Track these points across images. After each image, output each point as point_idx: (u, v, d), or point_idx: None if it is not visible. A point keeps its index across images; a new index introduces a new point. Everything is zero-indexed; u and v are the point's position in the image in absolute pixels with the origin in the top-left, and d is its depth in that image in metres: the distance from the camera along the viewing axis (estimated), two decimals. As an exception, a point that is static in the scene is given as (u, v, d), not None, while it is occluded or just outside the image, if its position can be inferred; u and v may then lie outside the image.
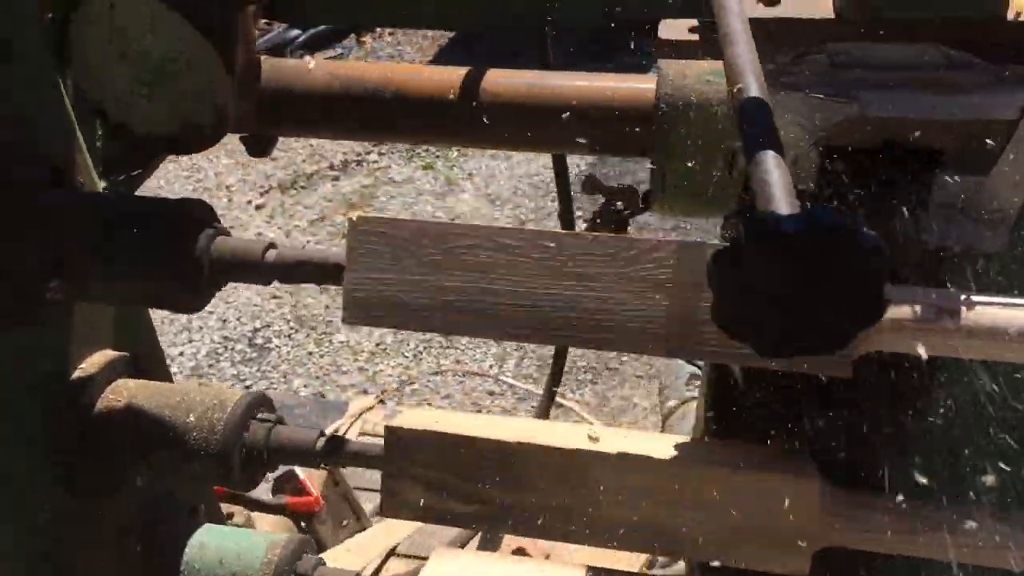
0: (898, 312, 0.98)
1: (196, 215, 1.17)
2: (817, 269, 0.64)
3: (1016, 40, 0.96)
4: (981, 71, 0.98)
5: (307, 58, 1.54)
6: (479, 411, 4.08)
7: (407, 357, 4.76)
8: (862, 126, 1.01)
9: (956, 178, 1.03)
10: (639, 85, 1.48)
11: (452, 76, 1.52)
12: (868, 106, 1.00)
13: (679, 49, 1.03)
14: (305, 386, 4.77)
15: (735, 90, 0.82)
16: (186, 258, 1.14)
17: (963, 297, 0.99)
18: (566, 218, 1.91)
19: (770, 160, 0.73)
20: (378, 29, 7.02)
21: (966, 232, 1.06)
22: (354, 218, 1.13)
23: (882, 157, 1.03)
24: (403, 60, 6.69)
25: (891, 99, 0.99)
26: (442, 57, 6.61)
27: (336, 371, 4.83)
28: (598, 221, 1.55)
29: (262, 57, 1.53)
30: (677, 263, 1.05)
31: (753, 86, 0.81)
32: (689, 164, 1.39)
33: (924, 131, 1.01)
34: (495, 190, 5.41)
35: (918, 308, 0.98)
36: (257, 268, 1.15)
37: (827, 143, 1.04)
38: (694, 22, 1.04)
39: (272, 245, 1.16)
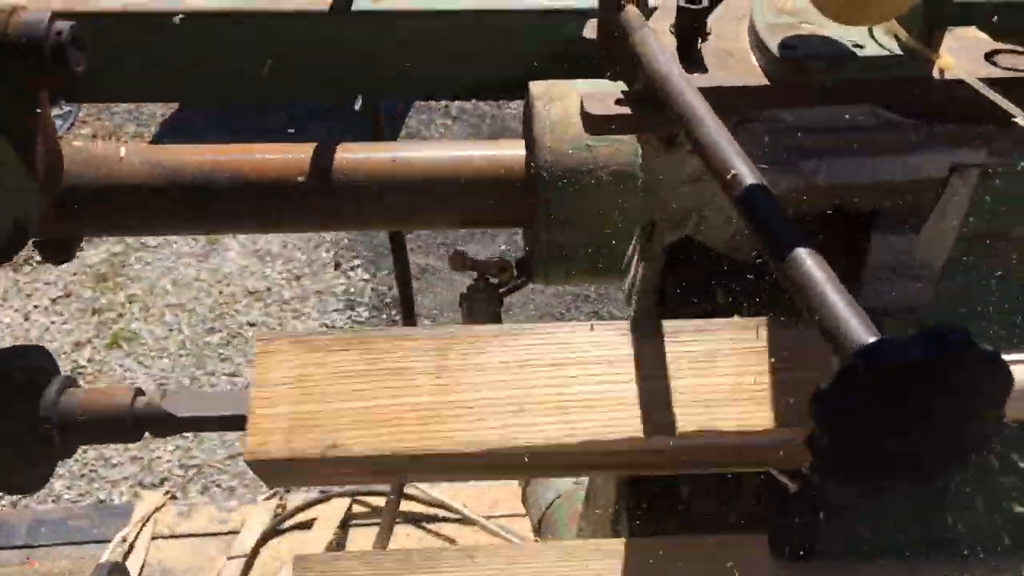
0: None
1: (34, 363, 0.93)
2: (941, 391, 0.56)
3: (942, 98, 0.94)
4: (912, 130, 0.96)
5: (118, 145, 1.30)
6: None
7: (186, 438, 4.35)
8: (807, 194, 0.96)
9: (891, 238, 1.00)
10: (513, 152, 1.38)
11: (296, 155, 1.34)
12: (813, 175, 0.95)
13: (609, 125, 0.94)
14: (69, 488, 4.22)
15: (729, 178, 0.73)
16: (28, 421, 0.89)
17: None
18: (406, 300, 1.75)
19: (818, 275, 0.64)
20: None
21: (900, 289, 1.04)
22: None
23: (820, 223, 0.99)
24: (141, 114, 6.17)
25: (834, 165, 0.95)
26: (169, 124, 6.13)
27: (104, 464, 4.33)
28: (472, 298, 1.43)
29: (62, 140, 1.28)
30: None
31: (746, 172, 0.72)
32: (580, 233, 1.31)
33: (866, 194, 0.98)
34: (263, 245, 5.11)
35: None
36: (124, 423, 0.92)
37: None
38: (618, 92, 0.95)
39: (139, 392, 0.94)
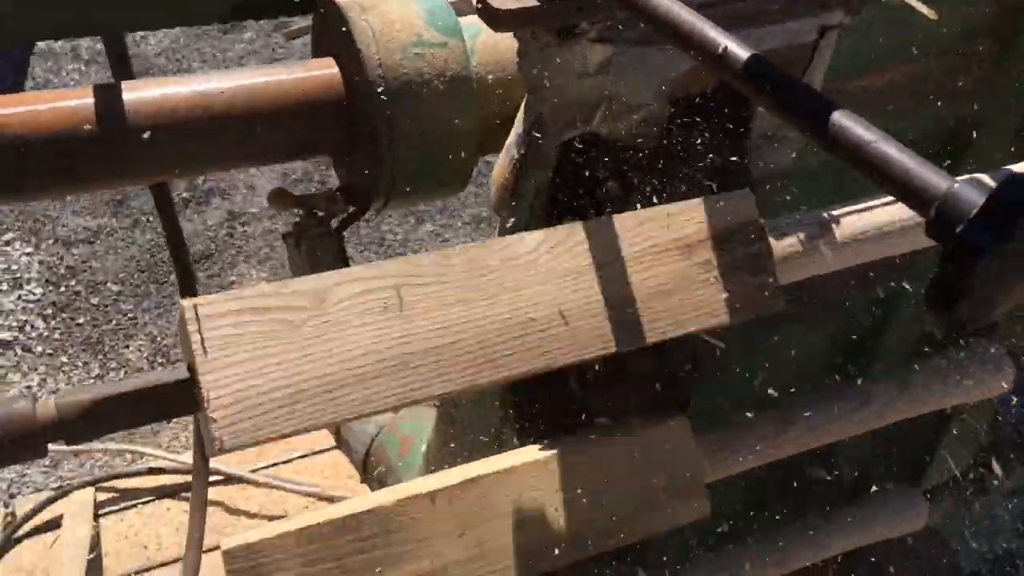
0: (784, 244, 0.98)
1: None
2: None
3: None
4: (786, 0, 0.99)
5: None
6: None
7: None
8: (703, 73, 0.97)
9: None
10: (325, 71, 1.24)
11: (75, 101, 1.11)
12: (715, 51, 0.95)
13: (516, 20, 0.86)
14: None
15: (720, 52, 0.71)
16: None
17: (825, 215, 1.03)
18: (180, 258, 1.54)
19: (869, 135, 0.64)
20: None
21: (776, 155, 1.09)
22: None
23: (711, 100, 1.01)
24: None
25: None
26: None
27: None
28: (300, 238, 1.29)
29: None
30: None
31: (737, 44, 0.71)
32: (420, 151, 1.23)
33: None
34: None
35: (801, 235, 0.99)
36: (35, 437, 0.73)
37: (672, 96, 0.97)
38: None
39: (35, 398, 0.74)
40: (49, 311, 3.98)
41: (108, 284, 4.14)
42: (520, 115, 1.10)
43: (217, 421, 0.74)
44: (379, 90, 1.19)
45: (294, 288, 0.82)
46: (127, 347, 3.93)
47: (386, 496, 0.93)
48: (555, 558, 1.00)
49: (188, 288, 1.56)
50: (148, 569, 2.70)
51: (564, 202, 1.10)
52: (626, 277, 0.93)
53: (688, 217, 0.93)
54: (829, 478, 1.67)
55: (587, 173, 1.08)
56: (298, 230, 1.29)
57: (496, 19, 0.87)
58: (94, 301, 4.07)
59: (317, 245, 1.29)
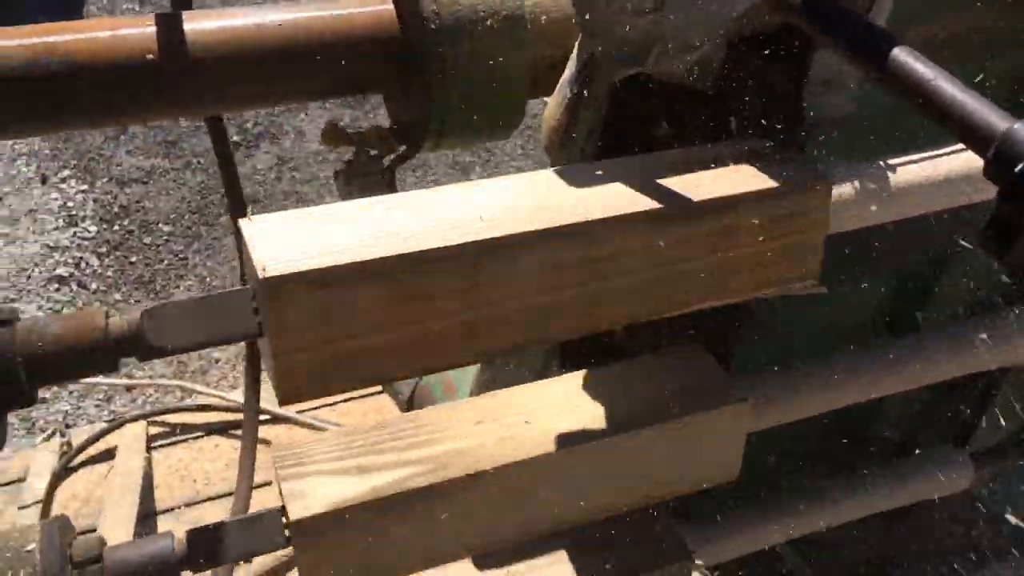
0: (839, 192, 0.97)
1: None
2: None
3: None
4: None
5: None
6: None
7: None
8: (762, 13, 0.95)
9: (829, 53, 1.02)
10: (381, 7, 1.25)
11: (137, 30, 1.13)
12: (774, -9, 0.94)
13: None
14: None
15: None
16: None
17: (882, 164, 1.01)
18: (234, 198, 1.55)
19: (929, 72, 0.64)
20: None
21: (832, 100, 1.07)
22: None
23: (768, 41, 0.99)
24: None
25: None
26: None
27: None
28: (356, 178, 1.30)
29: None
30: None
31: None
32: (475, 91, 1.23)
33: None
34: (-57, 169, 4.41)
35: (856, 184, 0.98)
36: (107, 350, 0.75)
37: (729, 36, 0.96)
38: None
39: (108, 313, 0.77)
40: (103, 249, 4.07)
41: (160, 224, 4.21)
42: (573, 55, 1.10)
43: (261, 259, 0.74)
44: (432, 27, 1.19)
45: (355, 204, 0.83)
46: (178, 287, 4.00)
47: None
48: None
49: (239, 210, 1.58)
50: (197, 502, 2.79)
51: (615, 143, 1.09)
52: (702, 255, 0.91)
53: (763, 202, 0.91)
54: (877, 437, 1.66)
55: (639, 114, 1.08)
56: (350, 168, 1.30)
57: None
58: (146, 240, 4.15)
59: (369, 184, 1.30)
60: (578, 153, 1.12)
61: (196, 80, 1.15)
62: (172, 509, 2.78)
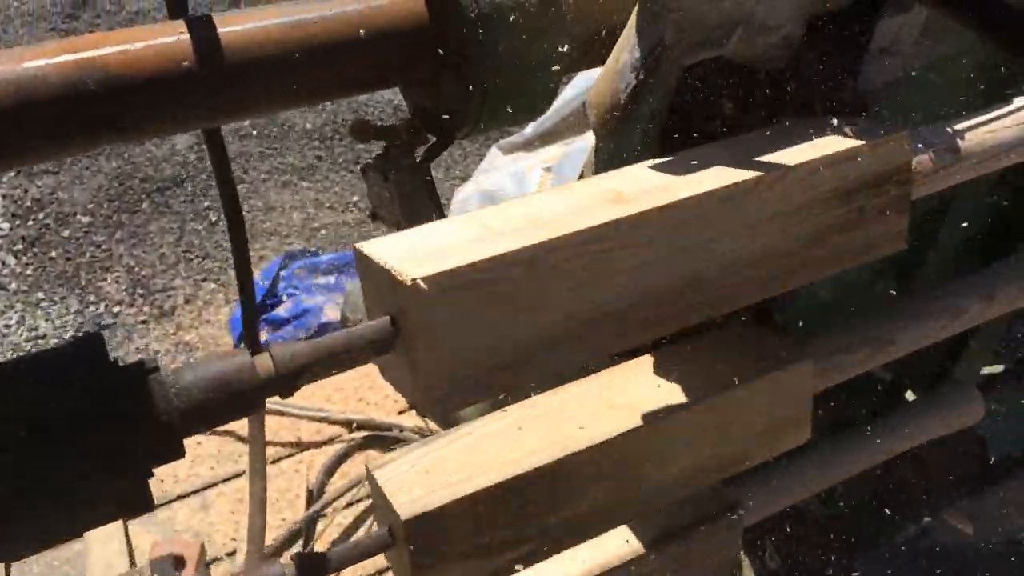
0: (919, 160, 1.00)
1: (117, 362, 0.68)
2: None
3: None
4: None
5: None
6: None
7: None
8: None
9: (894, 19, 1.05)
10: (410, -5, 1.21)
11: (171, 38, 1.07)
12: (851, -33, 0.95)
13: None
14: None
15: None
16: (135, 421, 0.67)
17: (949, 130, 1.05)
18: (231, 205, 1.48)
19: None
20: None
21: (886, 67, 1.10)
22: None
23: (842, 16, 1.01)
24: None
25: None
26: None
27: None
28: (391, 173, 1.27)
29: None
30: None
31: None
32: (513, 75, 1.21)
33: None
34: None
35: (932, 153, 1.01)
36: (255, 393, 0.72)
37: (811, 13, 0.98)
38: None
39: (257, 350, 0.73)
40: (19, 246, 3.87)
41: (78, 216, 4.02)
42: (627, 37, 1.09)
43: (398, 266, 0.74)
44: (471, 14, 1.16)
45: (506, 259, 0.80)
46: (104, 280, 3.85)
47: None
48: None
49: (243, 261, 1.51)
50: (167, 502, 2.73)
51: (679, 125, 1.10)
52: (792, 226, 0.92)
53: (850, 162, 0.93)
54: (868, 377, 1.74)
55: (704, 96, 1.08)
56: (385, 164, 1.27)
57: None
58: (65, 234, 3.96)
59: (404, 178, 1.27)
60: (639, 136, 1.11)
61: (236, 84, 1.10)
62: (143, 513, 2.72)
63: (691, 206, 0.83)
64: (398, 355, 0.79)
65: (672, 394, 1.02)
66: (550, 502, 0.95)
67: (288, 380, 0.74)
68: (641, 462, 1.01)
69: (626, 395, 1.03)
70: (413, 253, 0.77)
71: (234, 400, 0.72)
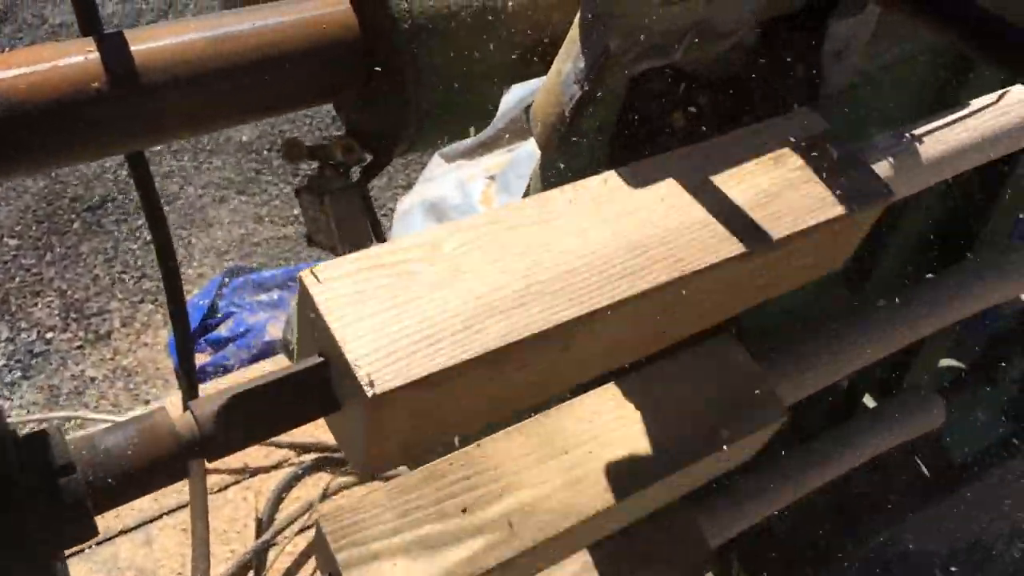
0: (879, 168, 0.96)
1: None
2: None
3: None
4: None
5: None
6: None
7: None
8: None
9: (845, 22, 1.01)
10: (339, 7, 1.14)
11: (79, 57, 0.99)
12: (803, -31, 0.91)
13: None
14: None
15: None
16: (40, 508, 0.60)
17: (907, 136, 1.01)
18: (161, 238, 1.36)
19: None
20: None
21: (841, 71, 1.06)
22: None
23: (793, 20, 0.96)
24: None
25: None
26: None
27: None
28: (326, 195, 1.20)
29: None
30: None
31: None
32: (452, 88, 1.14)
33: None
34: None
35: (891, 158, 0.97)
36: (177, 458, 0.65)
37: (762, 17, 0.93)
38: None
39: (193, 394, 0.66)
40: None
41: (4, 239, 3.86)
42: (569, 46, 1.04)
43: (362, 367, 0.68)
44: (405, 26, 1.09)
45: (408, 243, 0.76)
46: (35, 305, 3.70)
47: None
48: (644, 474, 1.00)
49: (178, 305, 1.41)
50: (109, 539, 2.62)
51: (628, 138, 1.05)
52: (725, 191, 0.88)
53: (765, 135, 0.90)
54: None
55: (653, 106, 1.03)
56: (319, 185, 1.20)
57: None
58: (-9, 258, 3.80)
59: (341, 199, 1.20)
60: (586, 151, 1.06)
61: (154, 106, 1.02)
62: (82, 550, 2.60)
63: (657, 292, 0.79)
64: (347, 414, 0.73)
65: (650, 442, 0.97)
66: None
67: (214, 441, 0.66)
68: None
69: (604, 440, 0.98)
70: (373, 327, 0.70)
71: (151, 471, 0.64)
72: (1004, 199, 1.48)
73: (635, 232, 0.81)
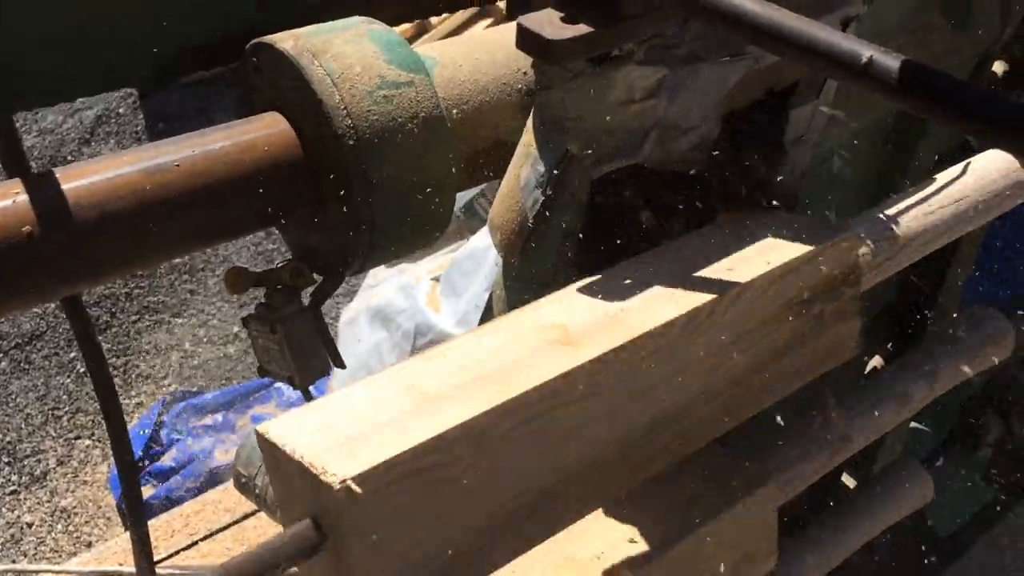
0: (862, 254, 0.93)
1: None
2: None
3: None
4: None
5: None
6: None
7: None
8: (750, 82, 0.90)
9: (803, 109, 0.99)
10: (279, 128, 1.10)
11: (10, 200, 0.92)
12: (759, 59, 0.89)
13: (574, 49, 0.76)
14: None
15: (864, 63, 0.64)
16: None
17: (882, 217, 0.99)
18: (102, 383, 1.24)
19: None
20: None
21: (800, 156, 1.04)
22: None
23: (752, 110, 0.94)
24: None
25: (767, 46, 0.90)
26: None
27: None
28: (277, 323, 1.13)
29: None
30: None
31: (882, 52, 0.64)
32: (401, 202, 1.10)
33: (789, 71, 0.95)
34: None
35: (870, 242, 0.95)
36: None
37: (724, 111, 0.90)
38: (551, 11, 0.78)
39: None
40: None
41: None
42: (525, 152, 1.00)
43: None
44: (350, 143, 1.05)
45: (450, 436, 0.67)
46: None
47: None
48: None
49: (120, 439, 1.29)
50: None
51: (596, 241, 1.01)
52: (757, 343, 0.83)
53: (801, 273, 0.85)
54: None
55: (620, 206, 1.00)
56: (269, 312, 1.13)
57: (552, 51, 0.77)
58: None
59: (293, 325, 1.13)
60: (552, 256, 1.02)
61: (90, 246, 0.95)
62: None
63: (650, 340, 0.73)
64: (326, 561, 0.65)
65: (638, 543, 0.90)
66: None
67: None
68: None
69: (589, 547, 0.91)
70: (334, 438, 0.63)
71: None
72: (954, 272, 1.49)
73: (674, 399, 0.77)
